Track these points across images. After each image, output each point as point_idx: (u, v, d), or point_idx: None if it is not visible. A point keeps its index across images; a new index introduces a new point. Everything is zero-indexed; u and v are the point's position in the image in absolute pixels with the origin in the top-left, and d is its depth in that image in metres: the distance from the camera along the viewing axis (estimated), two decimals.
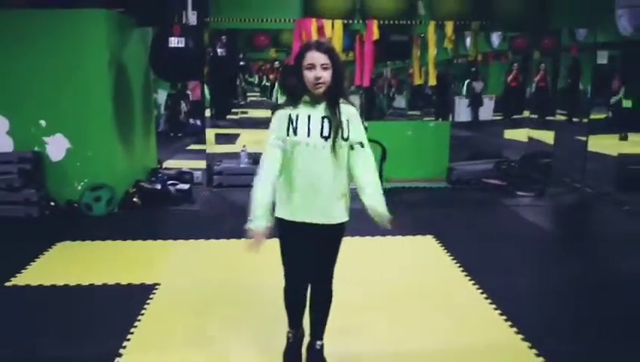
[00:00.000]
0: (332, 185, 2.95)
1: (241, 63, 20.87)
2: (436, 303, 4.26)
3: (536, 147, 9.27)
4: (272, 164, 2.92)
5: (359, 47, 8.11)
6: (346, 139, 2.93)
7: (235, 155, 8.63)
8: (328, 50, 2.88)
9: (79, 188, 6.53)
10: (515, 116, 12.63)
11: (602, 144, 9.25)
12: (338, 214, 3.01)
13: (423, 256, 5.35)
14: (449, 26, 7.72)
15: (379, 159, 8.05)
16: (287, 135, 2.90)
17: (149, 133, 8.12)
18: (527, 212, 6.80)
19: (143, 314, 3.97)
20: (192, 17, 6.83)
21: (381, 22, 7.70)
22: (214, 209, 7.00)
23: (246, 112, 20.50)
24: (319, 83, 2.85)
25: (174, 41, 6.33)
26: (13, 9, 6.35)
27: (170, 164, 9.29)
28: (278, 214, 3.03)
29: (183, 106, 13.15)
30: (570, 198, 7.66)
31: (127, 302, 4.17)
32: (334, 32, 7.62)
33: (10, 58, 6.34)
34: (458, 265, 4.98)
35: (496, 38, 10.60)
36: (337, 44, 7.66)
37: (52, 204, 6.42)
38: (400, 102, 17.59)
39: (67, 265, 4.98)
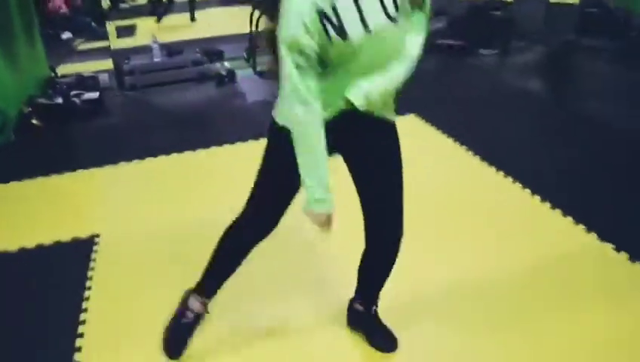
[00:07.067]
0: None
1: None
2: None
3: None
4: (315, 130, 1.77)
5: None
6: None
7: (144, 49, 7.18)
8: None
9: None
10: None
11: None
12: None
13: (417, 136, 4.43)
14: None
15: None
16: (329, 39, 1.69)
17: (32, 34, 6.49)
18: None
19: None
20: None
21: None
22: (136, 118, 5.70)
23: None
24: None
25: None
26: None
27: (67, 69, 7.65)
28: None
29: None
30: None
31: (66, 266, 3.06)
32: None
33: None
34: (451, 139, 4.20)
35: None
36: None
37: None
38: None
39: None
